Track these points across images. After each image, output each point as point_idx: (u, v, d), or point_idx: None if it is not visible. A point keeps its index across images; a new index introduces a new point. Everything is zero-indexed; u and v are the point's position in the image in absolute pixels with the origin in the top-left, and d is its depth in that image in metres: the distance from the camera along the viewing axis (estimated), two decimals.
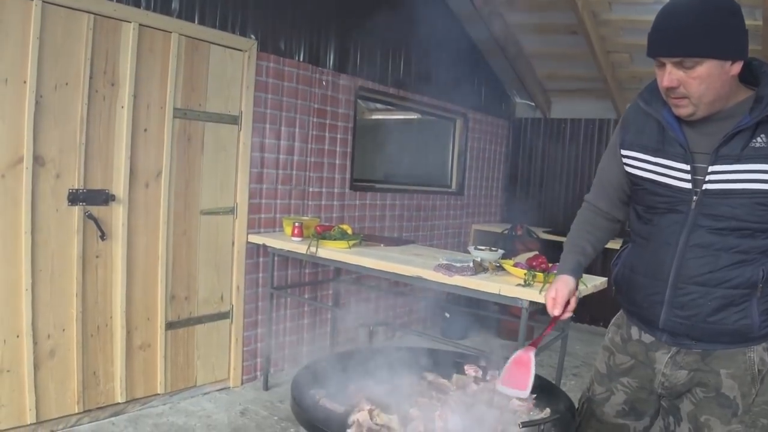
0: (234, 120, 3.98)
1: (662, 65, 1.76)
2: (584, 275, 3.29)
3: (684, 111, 1.75)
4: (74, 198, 3.22)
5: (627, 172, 1.99)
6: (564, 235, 5.66)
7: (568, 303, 2.08)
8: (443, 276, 3.20)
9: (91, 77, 3.21)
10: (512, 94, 7.04)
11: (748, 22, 4.88)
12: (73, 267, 3.27)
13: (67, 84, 3.12)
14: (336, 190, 4.87)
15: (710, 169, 1.74)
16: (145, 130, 3.50)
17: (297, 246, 3.88)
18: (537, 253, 3.32)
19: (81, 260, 3.29)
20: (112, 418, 3.56)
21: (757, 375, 1.91)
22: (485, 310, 5.14)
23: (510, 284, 3.02)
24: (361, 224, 5.10)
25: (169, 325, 3.78)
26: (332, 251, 3.74)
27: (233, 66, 3.93)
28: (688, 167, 1.78)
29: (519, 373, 2.12)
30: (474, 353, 2.74)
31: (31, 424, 3.20)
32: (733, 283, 1.81)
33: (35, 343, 3.15)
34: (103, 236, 3.36)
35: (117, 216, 3.43)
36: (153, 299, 3.68)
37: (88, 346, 3.39)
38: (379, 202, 5.33)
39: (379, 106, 5.61)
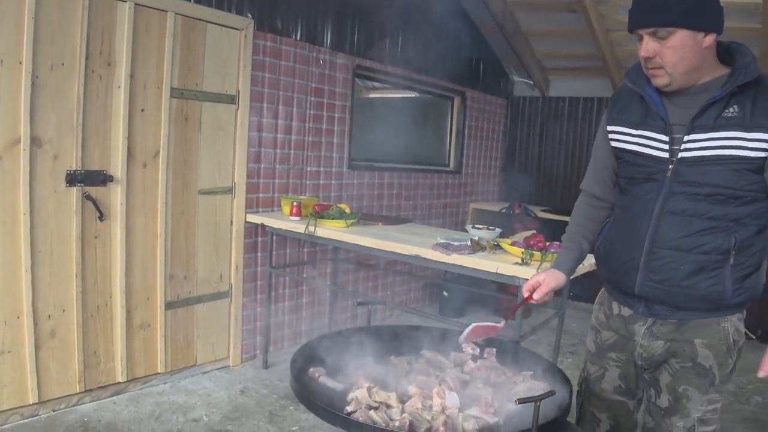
0: (231, 99, 3.97)
1: (641, 38, 1.86)
2: None
3: (661, 81, 1.85)
4: (72, 179, 3.22)
5: (612, 147, 2.08)
6: (561, 213, 5.70)
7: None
8: (441, 255, 3.21)
9: (87, 57, 3.19)
10: (510, 72, 7.01)
11: (749, 25, 4.84)
12: (72, 248, 3.28)
13: (63, 64, 3.10)
14: (334, 169, 4.87)
15: (685, 138, 1.84)
16: (142, 110, 3.49)
17: (295, 225, 3.89)
18: (535, 231, 3.33)
19: (80, 241, 3.30)
20: (114, 397, 3.59)
21: (733, 345, 1.99)
22: (483, 289, 5.17)
23: (507, 263, 3.03)
24: (359, 203, 5.10)
25: (169, 305, 3.80)
26: (330, 230, 3.75)
27: (230, 45, 3.91)
28: (666, 138, 1.88)
29: (485, 330, 2.29)
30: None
31: (33, 404, 3.23)
32: (705, 249, 1.88)
33: (36, 323, 3.17)
34: (101, 217, 3.37)
35: (115, 196, 3.43)
36: (152, 279, 3.70)
37: (88, 326, 3.41)
38: (377, 181, 5.33)
39: (376, 84, 5.58)
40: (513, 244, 3.22)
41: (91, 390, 3.49)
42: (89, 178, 3.30)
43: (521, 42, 6.32)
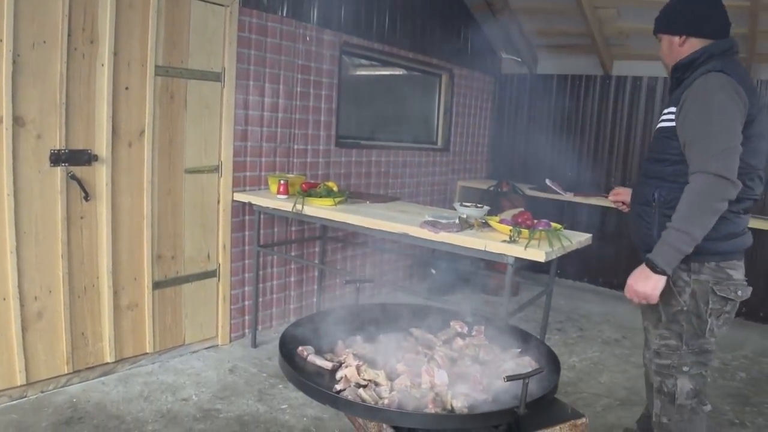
0: (217, 77, 3.93)
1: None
2: (570, 231, 3.33)
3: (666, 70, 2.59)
4: (56, 158, 3.18)
5: None
6: (550, 192, 5.66)
7: None
8: (429, 233, 3.21)
9: (69, 35, 3.13)
10: (498, 49, 6.97)
11: (735, 3, 4.83)
12: (58, 228, 3.25)
13: (44, 42, 3.05)
14: (321, 147, 4.84)
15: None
16: (127, 88, 3.44)
17: (283, 204, 3.88)
18: (522, 209, 3.34)
19: (65, 221, 3.27)
20: (102, 378, 3.59)
21: (673, 288, 2.41)
22: (471, 267, 5.18)
23: (495, 240, 3.03)
24: (346, 181, 5.09)
25: (156, 285, 3.79)
26: (318, 209, 3.74)
27: (215, 21, 3.86)
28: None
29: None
30: (460, 309, 2.77)
31: (21, 386, 3.22)
32: (641, 200, 2.51)
33: (22, 305, 3.15)
34: (86, 197, 3.33)
35: (100, 176, 3.40)
36: (139, 259, 3.68)
37: (75, 307, 3.40)
38: (364, 159, 5.31)
39: (364, 62, 5.54)
40: (501, 221, 3.22)
41: (79, 371, 3.48)
42: (73, 158, 3.26)
43: (509, 19, 6.28)
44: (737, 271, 2.47)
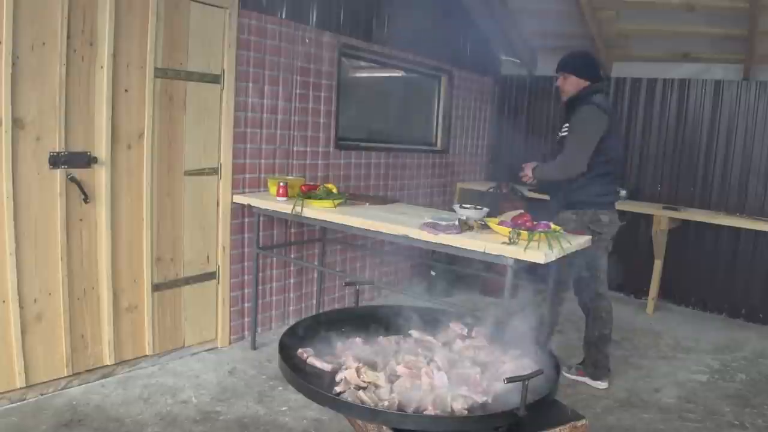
0: (216, 79, 3.93)
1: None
2: (569, 234, 3.33)
3: (563, 96, 4.02)
4: (56, 161, 3.18)
5: None
6: (549, 193, 5.65)
7: None
8: (429, 234, 3.21)
9: (68, 37, 3.13)
10: (498, 51, 6.97)
11: (734, 4, 4.92)
12: (57, 231, 3.25)
13: (44, 44, 3.05)
14: (321, 149, 4.84)
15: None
16: (126, 90, 3.44)
17: (282, 206, 3.87)
18: (522, 211, 3.33)
19: (65, 224, 3.27)
20: (102, 381, 3.58)
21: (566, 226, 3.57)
22: (470, 268, 5.18)
23: (495, 242, 3.03)
24: (346, 183, 5.08)
25: (156, 287, 3.78)
26: (317, 211, 3.74)
27: (214, 24, 3.86)
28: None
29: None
30: (459, 311, 2.77)
31: (20, 388, 3.21)
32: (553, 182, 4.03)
33: (22, 307, 3.15)
34: (86, 199, 3.33)
35: (100, 178, 3.40)
36: (139, 261, 3.68)
37: (75, 310, 3.39)
38: (363, 160, 5.31)
39: (363, 63, 5.53)
40: (500, 223, 3.22)
41: (79, 373, 3.48)
42: (73, 160, 3.26)
43: (509, 20, 6.28)
44: (605, 216, 3.83)
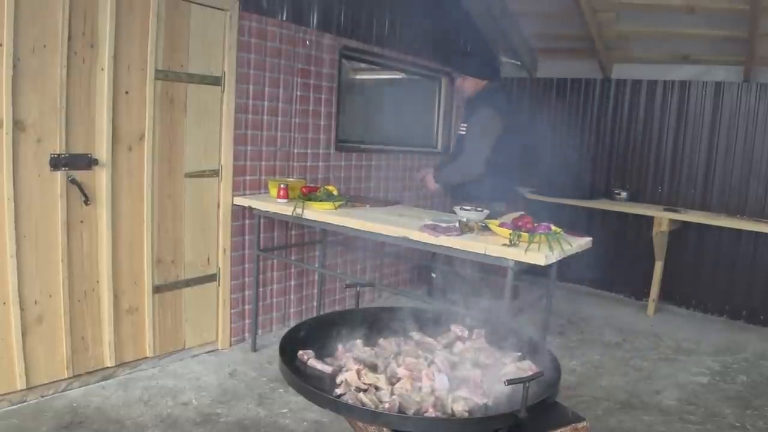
0: (217, 81, 3.93)
1: None
2: (569, 236, 3.32)
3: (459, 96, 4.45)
4: (56, 163, 3.18)
5: None
6: (549, 195, 5.77)
7: None
8: (429, 236, 3.21)
9: (69, 39, 3.14)
10: (498, 53, 6.97)
11: (735, 6, 4.92)
12: (58, 232, 3.25)
13: (45, 46, 3.05)
14: (321, 151, 4.84)
15: None
16: (127, 92, 3.45)
17: (283, 208, 3.87)
18: (523, 213, 3.33)
19: (65, 226, 3.27)
20: (102, 382, 3.58)
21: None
22: (471, 270, 5.17)
23: (496, 244, 3.03)
24: (346, 185, 5.08)
25: (156, 289, 3.78)
26: (318, 212, 3.74)
27: (215, 25, 3.87)
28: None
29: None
30: (460, 312, 2.76)
31: (21, 390, 3.21)
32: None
33: (22, 309, 3.15)
34: (86, 201, 3.33)
35: (100, 180, 3.40)
36: (139, 263, 3.68)
37: (75, 312, 3.39)
38: (364, 162, 5.31)
39: (363, 65, 5.54)
40: (501, 225, 3.22)
41: (79, 375, 3.47)
42: (74, 162, 3.26)
43: (509, 22, 6.28)
44: (499, 208, 3.93)
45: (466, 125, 4.17)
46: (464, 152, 4.10)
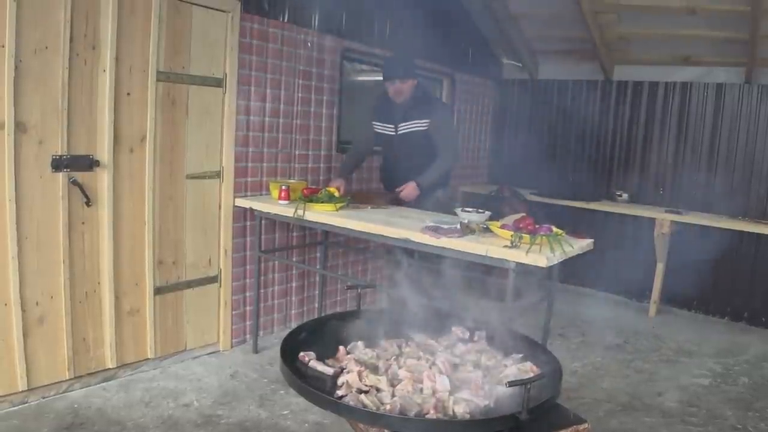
0: (218, 82, 3.93)
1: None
2: (570, 238, 3.32)
3: (399, 99, 4.28)
4: (58, 164, 3.18)
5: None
6: (550, 196, 5.80)
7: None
8: (430, 238, 3.21)
9: (71, 40, 3.14)
10: (499, 55, 6.98)
11: (736, 7, 4.93)
12: (59, 234, 3.25)
13: (46, 48, 3.05)
14: (323, 153, 4.84)
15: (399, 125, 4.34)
16: (128, 93, 3.45)
17: (284, 209, 3.87)
18: (524, 214, 3.33)
19: (67, 227, 3.27)
20: (103, 384, 3.58)
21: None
22: (473, 271, 5.16)
23: (497, 246, 3.03)
24: (347, 186, 5.07)
25: (158, 290, 3.78)
26: (319, 214, 3.74)
27: (216, 27, 3.87)
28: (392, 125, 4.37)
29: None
30: (461, 314, 2.76)
31: (22, 391, 3.21)
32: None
33: (24, 310, 3.15)
34: (88, 202, 3.34)
35: (102, 181, 3.40)
36: (140, 264, 3.68)
37: (76, 313, 3.39)
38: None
39: (365, 67, 5.54)
40: (502, 226, 3.22)
41: (80, 377, 3.48)
42: (75, 163, 3.26)
43: (510, 24, 6.28)
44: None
45: (418, 122, 4.26)
46: (446, 147, 4.30)
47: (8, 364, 3.14)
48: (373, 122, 4.48)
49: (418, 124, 4.27)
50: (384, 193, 4.54)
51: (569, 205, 5.96)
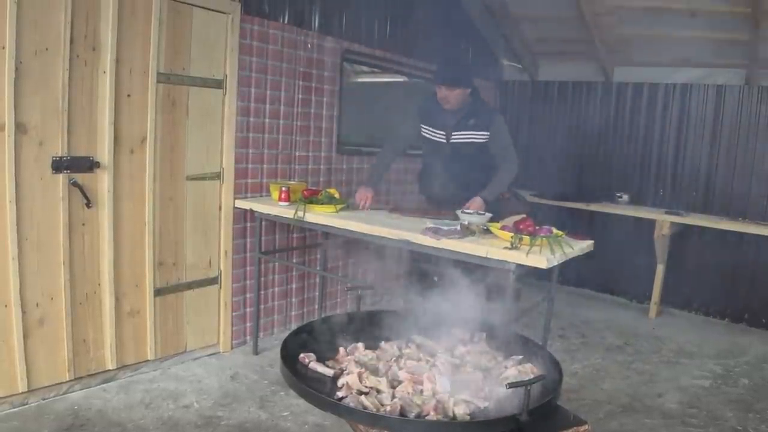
0: (218, 84, 3.94)
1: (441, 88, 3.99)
2: (571, 239, 3.33)
3: (447, 106, 4.01)
4: (58, 165, 3.18)
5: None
6: (551, 198, 5.78)
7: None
8: (431, 239, 3.21)
9: (71, 42, 3.14)
10: (500, 56, 6.98)
11: (736, 9, 4.90)
12: (60, 235, 3.25)
13: (47, 49, 3.05)
14: (323, 154, 4.85)
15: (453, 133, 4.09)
16: (129, 95, 3.45)
17: (284, 210, 3.88)
18: (525, 216, 3.33)
19: (67, 228, 3.27)
20: (104, 385, 3.58)
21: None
22: (473, 273, 5.16)
23: (497, 247, 3.03)
24: (348, 188, 5.08)
25: (158, 292, 3.78)
26: (319, 215, 3.74)
27: (217, 29, 3.87)
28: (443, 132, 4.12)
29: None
30: (461, 316, 2.76)
31: (22, 393, 3.21)
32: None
33: (24, 312, 3.15)
34: (88, 204, 3.34)
35: (102, 183, 3.40)
36: (141, 266, 3.68)
37: (77, 314, 3.39)
38: (366, 165, 5.31)
39: (365, 68, 5.54)
40: (503, 228, 3.22)
41: (80, 378, 3.47)
42: (75, 165, 3.26)
43: (510, 26, 6.29)
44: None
45: (486, 135, 4.04)
46: (507, 158, 4.08)
47: (8, 366, 3.14)
48: (422, 125, 4.18)
49: (475, 136, 4.05)
50: (439, 211, 4.11)
51: (569, 207, 5.96)
